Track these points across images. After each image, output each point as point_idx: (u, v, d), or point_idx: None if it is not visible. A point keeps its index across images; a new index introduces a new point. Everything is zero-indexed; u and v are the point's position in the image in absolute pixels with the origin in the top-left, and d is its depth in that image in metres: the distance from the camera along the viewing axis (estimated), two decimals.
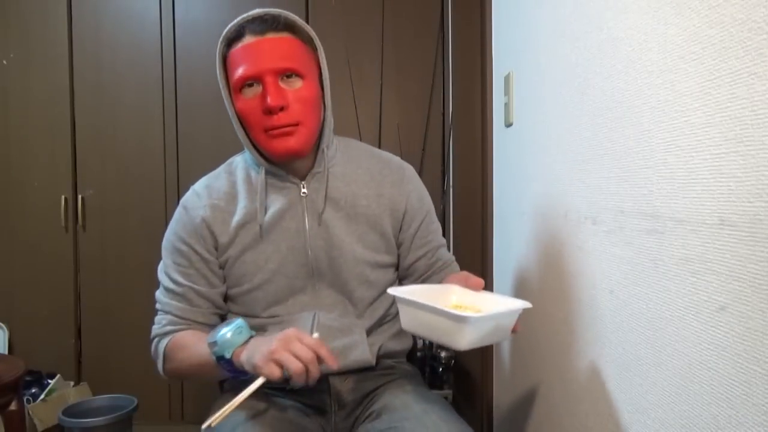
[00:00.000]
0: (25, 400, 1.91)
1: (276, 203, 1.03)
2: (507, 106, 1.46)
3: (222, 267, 1.05)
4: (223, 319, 1.09)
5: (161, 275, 1.06)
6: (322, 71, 1.02)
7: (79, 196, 2.24)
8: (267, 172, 1.04)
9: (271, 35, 0.95)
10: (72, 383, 2.21)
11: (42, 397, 2.04)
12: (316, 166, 1.04)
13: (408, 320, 0.85)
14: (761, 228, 0.50)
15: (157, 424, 2.21)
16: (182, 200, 1.08)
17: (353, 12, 2.22)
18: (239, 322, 0.90)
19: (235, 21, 0.97)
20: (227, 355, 0.87)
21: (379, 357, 1.08)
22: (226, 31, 0.98)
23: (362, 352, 1.03)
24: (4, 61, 2.24)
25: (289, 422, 0.95)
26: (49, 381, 2.10)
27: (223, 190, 1.05)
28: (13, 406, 1.59)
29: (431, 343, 1.99)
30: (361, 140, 1.19)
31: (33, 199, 2.24)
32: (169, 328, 1.03)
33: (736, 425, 0.55)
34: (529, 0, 1.27)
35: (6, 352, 2.20)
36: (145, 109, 2.23)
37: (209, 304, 1.05)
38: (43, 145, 2.24)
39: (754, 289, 0.51)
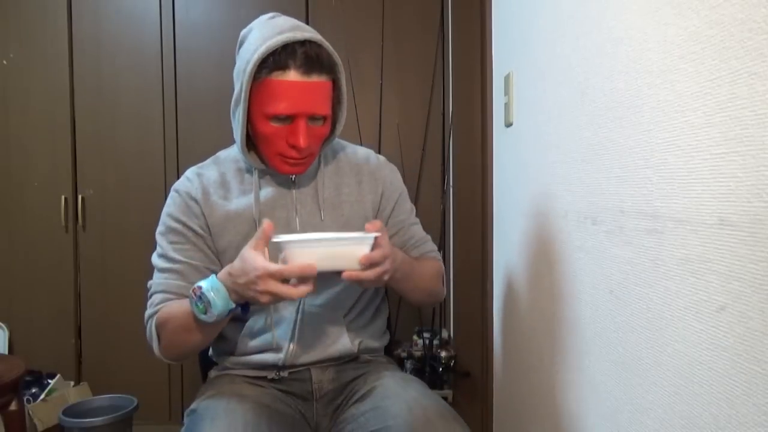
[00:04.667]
0: (25, 400, 1.91)
1: (268, 194, 1.09)
2: (507, 106, 1.46)
3: (216, 254, 1.08)
4: None
5: (155, 260, 1.07)
6: (342, 95, 1.06)
7: (79, 196, 2.24)
8: (261, 170, 1.09)
9: (315, 78, 0.97)
10: (72, 383, 2.21)
11: (42, 397, 2.04)
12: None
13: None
14: (761, 228, 0.50)
15: (157, 424, 2.21)
16: (173, 187, 1.11)
17: (353, 12, 2.22)
18: (202, 283, 0.92)
19: (279, 39, 0.94)
20: (231, 306, 0.91)
21: (359, 352, 1.15)
22: (268, 47, 0.94)
23: (344, 343, 1.10)
24: (4, 61, 2.24)
25: (269, 408, 0.99)
26: (49, 381, 2.10)
27: (213, 178, 1.10)
28: (13, 406, 1.59)
29: (431, 344, 1.99)
30: (361, 140, 1.21)
31: (33, 199, 2.24)
32: (162, 306, 1.02)
33: (736, 425, 0.55)
34: (529, 0, 1.27)
35: (6, 352, 2.20)
36: (145, 109, 2.23)
37: None
38: (43, 145, 2.24)
39: (754, 289, 0.51)
